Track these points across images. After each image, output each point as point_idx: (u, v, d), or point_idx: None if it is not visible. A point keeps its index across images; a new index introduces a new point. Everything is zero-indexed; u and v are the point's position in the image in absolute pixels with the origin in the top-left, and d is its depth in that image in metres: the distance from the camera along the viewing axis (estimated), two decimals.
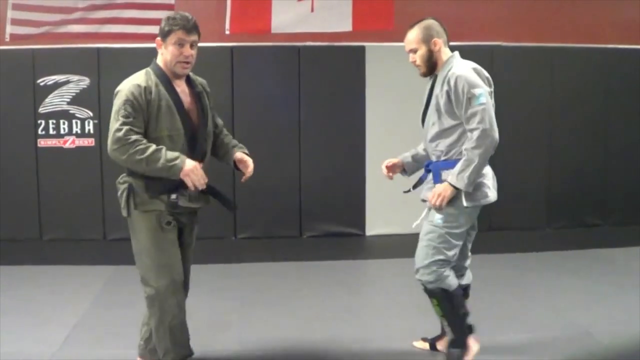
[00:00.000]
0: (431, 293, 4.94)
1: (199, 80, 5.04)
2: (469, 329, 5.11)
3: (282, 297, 7.07)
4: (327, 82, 9.37)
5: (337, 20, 9.06)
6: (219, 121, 5.23)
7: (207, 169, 4.88)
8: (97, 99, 9.29)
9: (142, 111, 4.50)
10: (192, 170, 4.50)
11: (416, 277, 4.98)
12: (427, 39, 4.94)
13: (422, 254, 4.94)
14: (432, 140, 5.01)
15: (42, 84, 9.13)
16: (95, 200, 9.43)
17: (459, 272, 5.17)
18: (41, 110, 9.23)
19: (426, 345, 5.44)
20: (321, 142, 9.46)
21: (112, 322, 6.12)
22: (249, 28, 9.54)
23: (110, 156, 4.51)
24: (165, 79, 4.66)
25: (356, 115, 9.36)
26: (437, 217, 4.90)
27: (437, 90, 4.92)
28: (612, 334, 5.77)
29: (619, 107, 10.09)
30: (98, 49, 9.40)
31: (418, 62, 4.99)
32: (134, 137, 4.39)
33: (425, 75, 5.05)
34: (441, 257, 4.88)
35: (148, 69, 4.73)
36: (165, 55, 4.66)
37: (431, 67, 4.99)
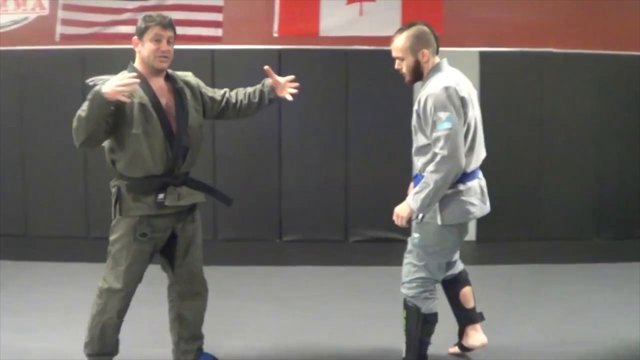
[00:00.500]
0: (405, 305, 4.93)
1: (181, 75, 5.07)
2: (422, 359, 5.03)
3: (323, 301, 7.04)
4: (375, 86, 9.32)
5: (386, 24, 8.99)
6: (219, 93, 5.28)
7: (195, 164, 5.03)
8: None
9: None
10: (112, 83, 4.38)
11: (400, 290, 4.97)
12: (415, 49, 4.81)
13: (405, 271, 4.95)
14: (414, 155, 4.97)
15: (91, 83, 9.10)
16: None
17: (448, 267, 5.14)
18: None
19: (456, 349, 5.43)
20: (369, 146, 9.41)
21: (148, 320, 6.09)
22: (297, 31, 9.53)
23: (78, 146, 4.56)
24: (141, 77, 4.67)
25: (404, 120, 9.22)
26: (415, 236, 4.90)
27: (414, 107, 4.83)
28: None
29: None
30: None
31: (404, 70, 4.90)
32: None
33: (410, 82, 4.98)
34: (422, 274, 4.87)
35: (124, 70, 4.75)
36: (142, 52, 4.73)
37: (417, 76, 4.90)
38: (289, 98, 4.94)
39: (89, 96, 4.41)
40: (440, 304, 5.11)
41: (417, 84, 5.00)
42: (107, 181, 4.83)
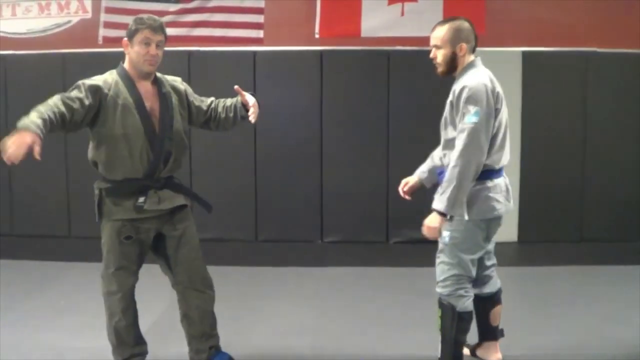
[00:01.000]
0: (440, 304, 4.91)
1: (170, 80, 5.03)
2: (458, 358, 4.98)
3: (363, 302, 7.03)
4: (417, 86, 9.29)
5: (428, 24, 8.88)
6: (205, 103, 5.18)
7: (181, 167, 5.03)
8: None
9: (88, 97, 4.56)
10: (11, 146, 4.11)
11: (435, 290, 4.95)
12: (454, 41, 4.80)
13: (439, 270, 4.92)
14: (442, 149, 4.97)
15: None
16: None
17: (481, 281, 5.11)
18: None
19: (467, 351, 5.37)
20: (410, 147, 9.37)
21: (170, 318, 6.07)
22: (338, 32, 9.52)
23: None
24: (128, 78, 4.71)
25: None
26: (445, 235, 4.85)
27: (448, 98, 4.81)
28: None
29: None
30: (189, 51, 9.50)
31: (439, 60, 4.87)
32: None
33: (442, 74, 4.92)
34: (455, 272, 4.84)
35: (113, 70, 4.80)
36: (131, 54, 4.72)
37: (450, 69, 4.86)
38: (252, 120, 4.88)
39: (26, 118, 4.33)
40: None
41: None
42: (87, 182, 4.85)
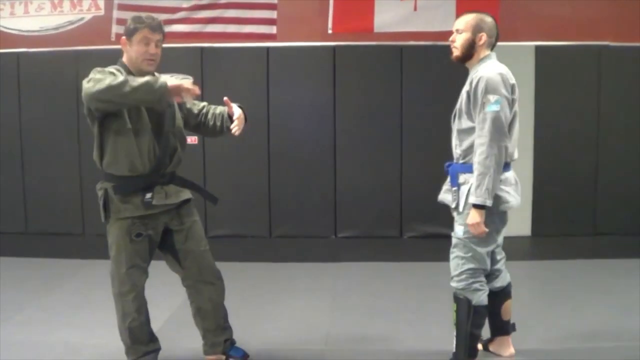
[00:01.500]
0: (456, 298, 4.90)
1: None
2: (473, 352, 5.00)
3: (377, 297, 7.03)
4: (430, 81, 9.29)
5: (441, 19, 8.97)
6: (197, 107, 5.17)
7: (182, 163, 4.97)
8: (200, 97, 9.35)
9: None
10: (178, 86, 4.50)
11: (450, 284, 4.95)
12: (477, 29, 4.80)
13: (454, 265, 4.92)
14: (454, 140, 4.95)
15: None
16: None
17: (491, 275, 5.09)
18: None
19: (479, 346, 5.35)
20: (423, 142, 9.38)
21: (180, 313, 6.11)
22: (351, 27, 9.51)
23: (89, 103, 4.53)
24: (131, 75, 4.67)
25: None
26: (458, 229, 4.86)
27: (463, 89, 4.81)
28: None
29: None
30: (202, 48, 9.50)
31: (457, 43, 4.85)
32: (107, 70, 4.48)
33: (456, 59, 4.90)
34: (471, 265, 4.84)
35: (116, 66, 4.77)
36: (130, 53, 4.73)
37: (466, 55, 4.85)
38: (235, 134, 4.87)
39: (154, 83, 4.38)
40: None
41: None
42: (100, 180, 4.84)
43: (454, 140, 4.95)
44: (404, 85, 9.53)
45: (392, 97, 9.56)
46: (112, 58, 8.58)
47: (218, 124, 5.06)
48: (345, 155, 9.66)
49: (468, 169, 4.74)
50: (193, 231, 4.99)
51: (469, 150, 4.75)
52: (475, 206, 4.67)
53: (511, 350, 5.32)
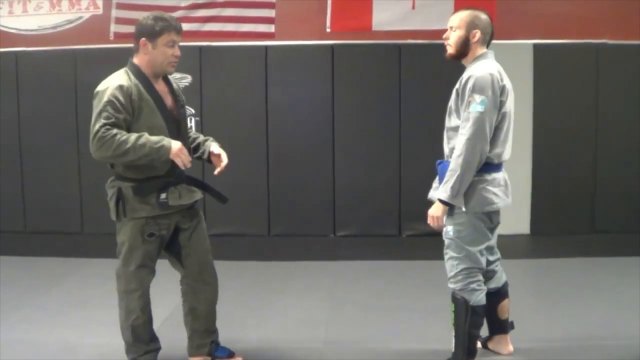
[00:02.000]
0: (453, 298, 4.89)
1: (171, 78, 5.02)
2: (471, 352, 4.99)
3: (376, 296, 7.04)
4: (428, 80, 9.29)
5: (439, 17, 8.96)
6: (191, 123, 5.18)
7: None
8: (199, 97, 9.39)
9: (124, 111, 4.49)
10: (180, 150, 4.53)
11: (448, 285, 4.95)
12: (471, 25, 4.79)
13: (449, 266, 4.92)
14: (445, 137, 4.97)
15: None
16: None
17: (486, 277, 5.07)
18: None
19: (478, 344, 5.35)
20: (421, 140, 9.38)
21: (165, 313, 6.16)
22: (349, 26, 9.52)
23: (95, 158, 4.52)
24: (144, 79, 4.66)
25: None
26: (449, 230, 4.86)
27: (455, 86, 4.82)
28: None
29: None
30: (200, 47, 9.50)
31: (450, 40, 4.85)
32: (114, 131, 4.40)
33: (450, 56, 4.90)
34: (465, 265, 4.83)
35: (126, 69, 4.72)
36: (154, 55, 4.65)
37: (460, 52, 4.85)
38: (215, 173, 4.92)
39: (156, 143, 4.45)
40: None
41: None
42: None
43: (445, 138, 4.96)
44: (402, 83, 9.54)
45: (390, 95, 9.56)
46: (110, 57, 8.64)
47: (199, 151, 5.10)
48: (343, 153, 9.67)
49: None
50: (198, 230, 5.01)
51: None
52: (440, 200, 4.70)
53: (510, 348, 5.32)
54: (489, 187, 4.74)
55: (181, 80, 9.20)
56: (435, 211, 4.75)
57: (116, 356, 5.25)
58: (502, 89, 4.68)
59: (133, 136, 4.42)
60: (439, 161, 4.99)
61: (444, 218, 4.86)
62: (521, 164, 9.18)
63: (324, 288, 7.29)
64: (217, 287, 5.13)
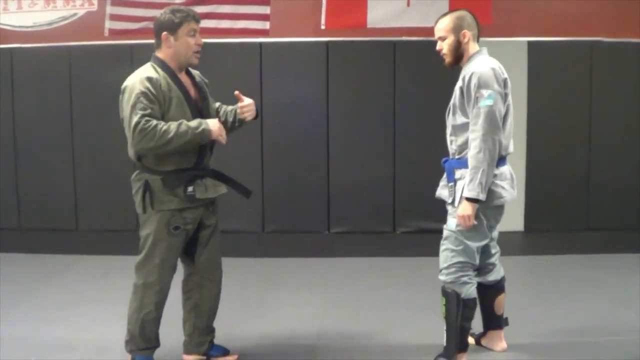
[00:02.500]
0: (444, 292, 4.92)
1: (195, 72, 5.06)
2: (463, 345, 5.02)
3: (370, 292, 7.06)
4: (423, 77, 9.29)
5: (434, 14, 8.79)
6: (216, 104, 5.22)
7: (216, 157, 5.05)
8: None
9: (157, 102, 4.54)
10: (220, 129, 4.69)
11: (439, 277, 4.97)
12: (457, 29, 4.84)
13: (443, 257, 4.94)
14: (449, 136, 4.98)
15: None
16: None
17: (485, 269, 5.13)
18: None
19: (472, 340, 5.38)
20: (416, 137, 9.39)
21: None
22: (344, 23, 9.52)
23: (137, 152, 4.59)
24: (171, 71, 4.70)
25: None
26: (451, 222, 4.88)
27: (456, 85, 4.83)
28: None
29: None
30: None
31: (445, 50, 4.90)
32: (154, 121, 4.45)
33: (450, 65, 4.95)
34: (460, 259, 4.86)
35: (151, 63, 4.76)
36: (177, 47, 4.70)
37: (457, 57, 4.90)
38: (245, 115, 4.93)
39: (196, 128, 4.55)
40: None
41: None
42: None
43: (449, 136, 4.97)
44: (397, 80, 9.54)
45: (385, 92, 9.57)
46: (105, 54, 8.64)
47: (230, 119, 5.10)
48: (338, 150, 9.68)
49: (464, 164, 4.76)
50: (217, 229, 5.10)
51: (465, 145, 4.77)
52: (468, 199, 4.69)
53: (503, 344, 5.34)
54: (497, 181, 4.77)
55: None
56: (466, 210, 4.72)
57: (112, 352, 5.28)
58: (505, 82, 4.74)
59: (173, 124, 4.49)
60: (444, 159, 5.02)
61: (449, 211, 4.91)
62: (515, 160, 9.08)
63: (319, 284, 7.30)
64: (221, 286, 5.16)
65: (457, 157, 4.86)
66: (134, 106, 4.47)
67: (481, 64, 4.72)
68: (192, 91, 4.82)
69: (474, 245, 4.84)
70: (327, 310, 6.49)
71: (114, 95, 9.17)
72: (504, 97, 4.73)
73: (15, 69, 9.78)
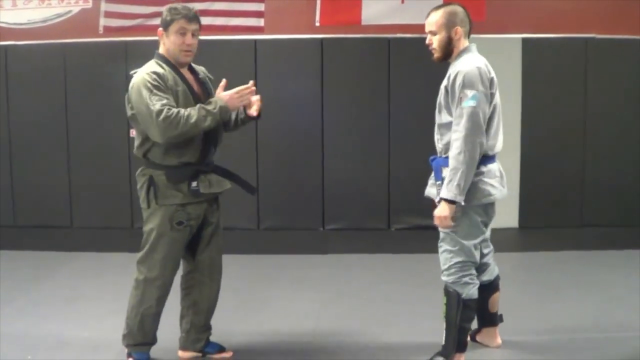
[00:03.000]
0: (446, 291, 4.92)
1: (200, 68, 5.10)
2: (462, 347, 5.03)
3: (365, 289, 7.06)
4: (417, 74, 9.27)
5: (428, 11, 8.98)
6: None
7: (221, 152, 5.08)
8: None
9: (169, 93, 4.58)
10: (231, 97, 4.75)
11: (441, 278, 4.97)
12: (449, 25, 4.81)
13: (443, 259, 4.94)
14: (435, 134, 4.98)
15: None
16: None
17: (479, 269, 5.10)
18: None
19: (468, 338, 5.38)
20: (410, 134, 9.39)
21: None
22: (339, 20, 9.55)
23: (161, 141, 4.57)
24: (173, 66, 4.74)
25: None
26: None
27: (442, 83, 4.83)
28: None
29: None
30: None
31: (434, 45, 4.88)
32: (174, 110, 4.48)
33: (438, 60, 4.93)
34: (459, 259, 4.86)
35: (155, 60, 4.79)
36: (167, 44, 4.74)
37: (446, 54, 4.88)
38: (253, 112, 4.93)
39: (213, 109, 4.59)
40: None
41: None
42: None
43: (436, 135, 4.97)
44: (392, 77, 9.55)
45: (379, 89, 9.57)
46: (99, 51, 8.64)
47: (233, 117, 5.11)
48: (333, 147, 9.68)
49: None
50: (220, 227, 5.11)
51: (449, 145, 4.75)
52: (445, 200, 4.69)
53: (498, 341, 5.35)
54: (485, 179, 4.76)
55: None
56: (442, 211, 4.72)
57: (108, 349, 5.29)
58: (491, 82, 4.72)
59: (193, 110, 4.55)
60: (432, 157, 5.00)
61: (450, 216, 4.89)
62: (510, 157, 9.18)
63: (314, 281, 7.31)
64: (220, 284, 5.17)
65: (444, 155, 4.83)
66: (149, 98, 4.49)
67: (467, 63, 4.70)
68: (195, 86, 4.85)
69: (470, 243, 4.84)
70: (322, 306, 6.49)
71: (109, 92, 9.23)
72: (490, 97, 4.71)
73: (9, 66, 9.78)
